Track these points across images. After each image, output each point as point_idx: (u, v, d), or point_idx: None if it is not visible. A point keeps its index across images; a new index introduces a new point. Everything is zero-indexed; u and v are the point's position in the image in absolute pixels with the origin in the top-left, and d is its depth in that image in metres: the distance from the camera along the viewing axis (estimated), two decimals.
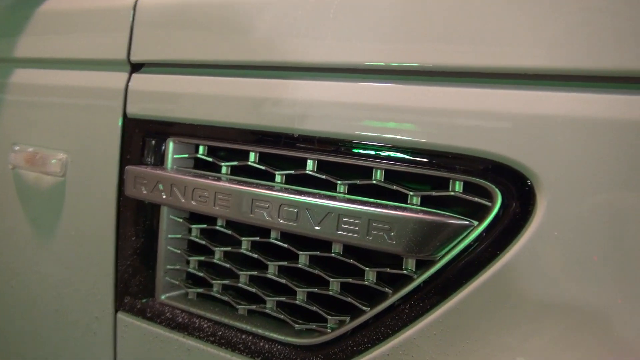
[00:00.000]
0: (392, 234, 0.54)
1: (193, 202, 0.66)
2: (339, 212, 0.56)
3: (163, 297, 0.74)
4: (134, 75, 0.76)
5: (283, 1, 0.62)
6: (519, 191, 0.50)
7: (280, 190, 0.60)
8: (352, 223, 0.56)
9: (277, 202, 0.60)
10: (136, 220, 0.75)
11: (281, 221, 0.59)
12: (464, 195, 0.54)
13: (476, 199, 0.53)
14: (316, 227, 0.57)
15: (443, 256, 0.54)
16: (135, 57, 0.75)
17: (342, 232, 0.56)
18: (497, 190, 0.52)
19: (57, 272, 0.83)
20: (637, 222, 0.45)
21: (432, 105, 0.53)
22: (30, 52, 0.87)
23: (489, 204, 0.53)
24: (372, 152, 0.57)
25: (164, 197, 0.68)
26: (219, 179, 0.65)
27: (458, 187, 0.54)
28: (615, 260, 0.46)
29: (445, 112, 0.52)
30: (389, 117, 0.55)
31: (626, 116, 0.45)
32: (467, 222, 0.53)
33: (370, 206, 0.55)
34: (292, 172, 0.64)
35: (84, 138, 0.80)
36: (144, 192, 0.70)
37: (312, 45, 0.60)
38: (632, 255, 0.45)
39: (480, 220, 0.53)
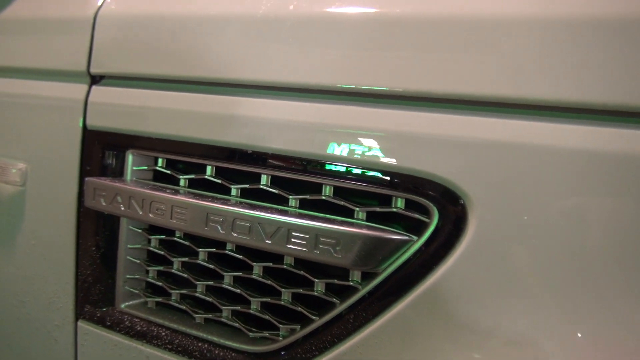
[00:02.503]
0: (338, 248, 0.57)
1: (150, 215, 0.68)
2: (288, 226, 0.59)
3: (123, 305, 0.76)
4: (93, 87, 0.77)
5: (246, 19, 0.64)
6: (453, 209, 0.54)
7: (234, 205, 0.63)
8: (301, 237, 0.58)
9: (231, 216, 0.62)
10: (96, 230, 0.77)
11: (234, 235, 0.62)
12: (404, 212, 0.57)
13: (415, 215, 0.57)
14: (267, 241, 0.60)
15: (386, 268, 0.57)
16: (95, 70, 0.77)
17: (291, 246, 0.59)
18: (434, 207, 0.56)
19: (19, 280, 0.84)
20: (560, 240, 0.49)
21: (375, 126, 0.56)
22: None
23: (427, 220, 0.56)
24: (322, 169, 0.60)
25: (123, 209, 0.70)
26: (176, 192, 0.68)
27: (400, 203, 0.58)
28: (540, 275, 0.50)
29: (387, 133, 0.56)
30: (336, 136, 0.58)
31: (549, 142, 0.49)
32: (407, 237, 0.56)
33: (318, 221, 0.58)
34: (247, 186, 0.67)
35: (44, 148, 0.80)
36: (103, 203, 0.72)
37: (268, 64, 0.62)
38: (553, 270, 0.49)
39: (420, 235, 0.56)
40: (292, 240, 0.59)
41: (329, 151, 0.59)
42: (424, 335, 0.55)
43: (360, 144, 0.57)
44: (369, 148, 0.57)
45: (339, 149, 0.58)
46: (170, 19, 0.70)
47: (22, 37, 0.84)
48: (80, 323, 0.78)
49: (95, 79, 0.78)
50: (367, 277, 0.60)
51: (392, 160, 0.55)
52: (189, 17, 0.68)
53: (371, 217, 0.60)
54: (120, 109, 0.74)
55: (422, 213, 0.57)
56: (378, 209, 0.59)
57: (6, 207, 0.85)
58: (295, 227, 0.59)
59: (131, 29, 0.73)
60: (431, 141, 0.53)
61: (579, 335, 0.48)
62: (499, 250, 0.51)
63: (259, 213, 0.61)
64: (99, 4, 0.76)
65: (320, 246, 0.58)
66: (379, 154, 0.56)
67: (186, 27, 0.68)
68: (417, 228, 0.57)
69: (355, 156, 0.57)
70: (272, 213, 0.60)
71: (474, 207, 0.52)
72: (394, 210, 0.58)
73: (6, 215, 0.85)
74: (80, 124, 0.77)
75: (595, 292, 0.48)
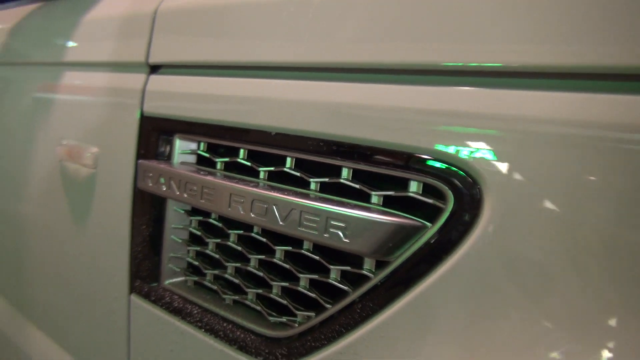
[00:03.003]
0: (348, 232, 0.54)
1: (185, 195, 0.70)
2: (301, 208, 0.57)
3: (166, 282, 0.80)
4: (151, 76, 0.82)
5: (297, 3, 0.64)
6: (470, 194, 0.48)
7: (254, 186, 0.63)
8: (312, 220, 0.56)
9: (250, 197, 0.62)
10: (146, 210, 0.81)
11: (252, 215, 0.62)
12: (419, 196, 0.52)
13: (431, 201, 0.52)
14: (281, 223, 0.59)
15: (399, 256, 0.53)
16: (153, 60, 0.82)
17: (302, 229, 0.57)
18: (450, 192, 0.50)
19: (87, 255, 0.93)
20: (581, 229, 0.41)
21: (393, 104, 0.53)
22: (71, 57, 0.97)
23: (442, 205, 0.51)
24: (340, 151, 0.58)
25: (164, 189, 0.74)
26: (207, 174, 0.69)
27: (416, 187, 0.53)
28: (559, 265, 0.43)
29: (405, 112, 0.52)
30: (357, 116, 0.55)
31: (580, 117, 0.42)
32: (421, 224, 0.52)
33: (329, 204, 0.56)
34: (272, 168, 0.66)
35: (110, 134, 0.88)
36: (150, 184, 0.76)
37: (319, 45, 0.61)
38: (573, 259, 0.41)
39: (434, 221, 0.51)
40: (304, 222, 0.57)
41: (350, 132, 0.56)
42: (438, 325, 0.50)
43: (380, 123, 0.54)
44: (388, 127, 0.53)
45: (359, 130, 0.55)
46: (222, 9, 0.72)
47: (94, 34, 0.92)
48: (132, 297, 0.83)
49: (153, 69, 0.83)
50: (380, 265, 0.56)
51: (411, 141, 0.51)
52: (239, 5, 0.69)
53: (390, 203, 0.56)
54: (172, 96, 0.78)
55: (438, 198, 0.51)
56: (393, 193, 0.55)
57: (83, 188, 0.94)
58: (306, 208, 0.57)
59: (186, 21, 0.77)
60: (450, 119, 0.48)
61: (603, 329, 0.40)
62: (514, 237, 0.44)
63: (274, 194, 0.60)
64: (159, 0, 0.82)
65: (330, 230, 0.55)
66: (397, 133, 0.52)
67: (236, 15, 0.70)
68: (429, 214, 0.52)
69: (375, 136, 0.54)
70: (286, 195, 0.59)
71: (490, 192, 0.46)
72: (410, 194, 0.53)
73: (81, 195, 0.94)
74: (138, 111, 0.82)
75: (618, 287, 0.39)
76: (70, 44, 0.98)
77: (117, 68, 0.88)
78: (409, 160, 0.52)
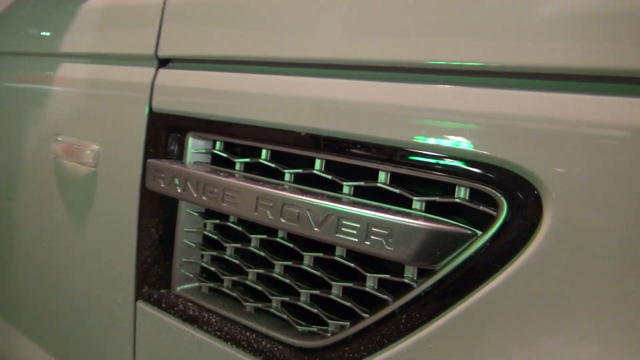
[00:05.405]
0: (391, 240, 0.51)
1: (204, 198, 0.66)
2: (339, 214, 0.55)
3: (178, 289, 0.76)
4: (160, 70, 0.78)
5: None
6: (526, 201, 0.46)
7: (284, 190, 0.60)
8: (351, 226, 0.54)
9: (280, 201, 0.59)
10: (156, 212, 0.77)
11: (283, 221, 0.59)
12: (468, 203, 0.50)
13: (481, 207, 0.50)
14: (316, 229, 0.56)
15: (445, 266, 0.51)
16: (163, 53, 0.77)
17: (341, 235, 0.54)
18: (503, 198, 0.48)
19: (88, 257, 0.88)
20: None
21: (440, 106, 0.50)
22: (70, 47, 0.92)
23: (494, 212, 0.49)
24: (379, 154, 0.55)
25: (179, 191, 0.70)
26: (229, 176, 0.66)
27: (463, 193, 0.51)
28: (624, 272, 0.41)
29: (452, 114, 0.49)
30: (394, 116, 0.53)
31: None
32: (470, 232, 0.50)
33: (370, 210, 0.53)
34: (299, 170, 0.63)
35: (113, 130, 0.83)
36: (162, 185, 0.72)
37: (334, 42, 0.58)
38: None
39: (485, 230, 0.49)
40: (342, 229, 0.54)
41: (389, 135, 0.53)
42: (484, 344, 0.48)
43: (420, 125, 0.51)
44: (431, 130, 0.50)
45: (399, 132, 0.52)
46: (234, 2, 0.68)
47: (98, 24, 0.87)
48: (139, 303, 0.79)
49: (163, 62, 0.79)
50: (423, 274, 0.54)
51: (459, 145, 0.49)
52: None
53: (430, 208, 0.54)
54: (184, 91, 0.74)
55: (488, 205, 0.49)
56: (438, 199, 0.53)
57: (81, 186, 0.89)
58: (345, 214, 0.54)
59: (197, 12, 0.73)
60: (506, 123, 0.46)
61: None
62: (577, 250, 0.43)
63: (308, 199, 0.57)
64: None
65: (372, 237, 0.52)
66: (443, 137, 0.50)
67: (249, 8, 0.66)
68: (481, 222, 0.50)
69: (415, 140, 0.51)
70: (322, 199, 0.56)
71: (552, 199, 0.44)
72: (457, 200, 0.51)
73: (80, 195, 0.88)
74: (146, 107, 0.78)
75: None
76: (70, 34, 0.92)
77: (121, 61, 0.83)
78: (458, 164, 0.50)
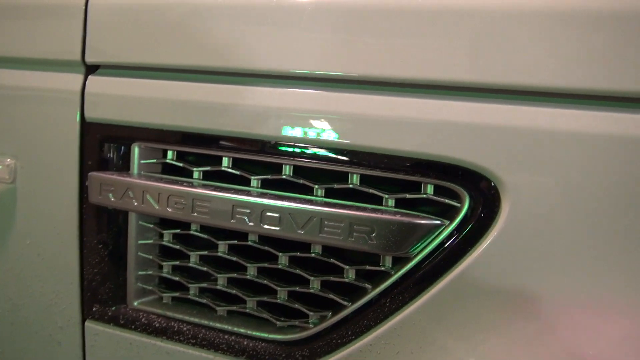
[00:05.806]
0: (373, 235, 0.58)
1: (169, 209, 0.66)
2: (321, 216, 0.60)
3: (136, 303, 0.74)
4: (90, 77, 0.73)
5: (248, 5, 0.63)
6: (485, 194, 0.57)
7: (262, 196, 0.63)
8: (335, 226, 0.59)
9: (259, 207, 0.62)
10: (101, 227, 0.73)
11: (264, 226, 0.62)
12: (435, 197, 0.59)
13: (446, 201, 0.59)
14: (299, 231, 0.61)
15: (418, 253, 0.60)
16: (91, 59, 0.72)
17: (325, 235, 0.60)
18: (465, 192, 0.58)
19: (12, 283, 0.79)
20: (594, 225, 0.52)
21: (405, 115, 0.58)
22: None
23: (458, 205, 0.59)
24: (349, 158, 0.61)
25: (135, 204, 0.68)
26: (195, 186, 0.66)
27: (430, 190, 0.60)
28: (574, 259, 0.53)
29: (419, 122, 0.57)
30: (362, 124, 0.59)
31: (585, 130, 0.52)
32: (439, 222, 0.59)
33: (351, 210, 0.59)
34: (268, 176, 0.66)
35: (36, 142, 0.76)
36: (112, 199, 0.69)
37: (273, 51, 0.61)
38: (590, 254, 0.53)
39: (451, 219, 0.59)
40: (325, 229, 0.60)
41: (357, 140, 0.59)
42: (457, 321, 0.58)
43: (386, 132, 0.58)
44: (396, 136, 0.58)
45: (367, 138, 0.59)
46: (166, 6, 0.67)
47: (10, 24, 0.78)
48: (88, 323, 0.75)
49: (91, 69, 0.74)
50: (398, 262, 0.62)
51: (425, 149, 0.57)
52: (184, 3, 0.66)
53: (399, 204, 0.62)
54: (122, 100, 0.71)
55: (452, 198, 0.59)
56: (408, 196, 0.61)
57: None
58: (328, 215, 0.59)
59: (126, 15, 0.70)
60: (467, 130, 0.55)
61: (621, 314, 0.52)
62: (532, 233, 0.54)
63: (290, 204, 0.61)
64: None
65: (355, 234, 0.59)
66: (408, 141, 0.57)
67: (182, 13, 0.66)
68: (447, 213, 0.60)
69: (383, 144, 0.59)
70: (302, 203, 0.61)
71: (507, 191, 0.55)
72: (424, 196, 0.60)
73: None
74: (78, 117, 0.73)
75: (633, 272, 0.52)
76: None
77: (42, 66, 0.75)
78: (423, 165, 0.58)
